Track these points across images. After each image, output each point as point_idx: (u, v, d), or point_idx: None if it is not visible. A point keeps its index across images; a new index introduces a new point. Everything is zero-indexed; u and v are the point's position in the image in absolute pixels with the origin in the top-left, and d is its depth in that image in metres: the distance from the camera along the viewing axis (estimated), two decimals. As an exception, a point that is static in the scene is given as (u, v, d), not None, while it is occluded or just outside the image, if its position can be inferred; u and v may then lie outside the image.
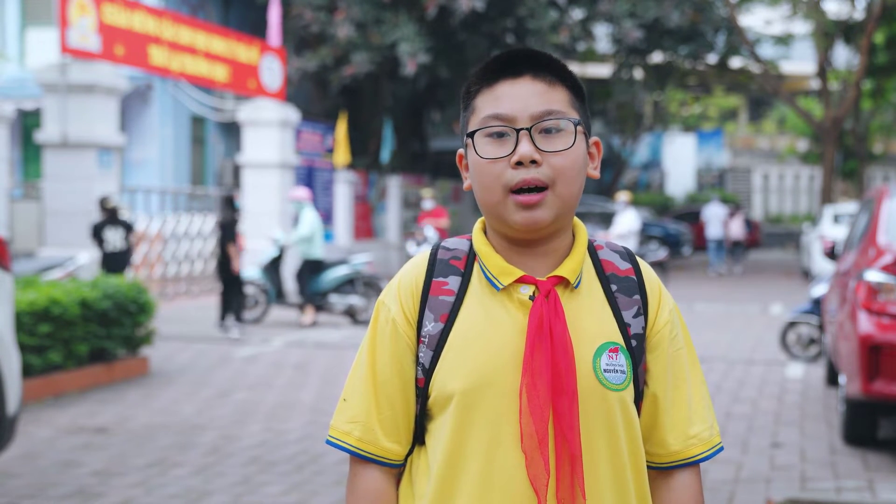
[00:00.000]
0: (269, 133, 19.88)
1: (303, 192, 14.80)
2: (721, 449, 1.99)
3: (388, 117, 26.65)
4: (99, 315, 9.74)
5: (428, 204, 21.33)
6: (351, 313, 14.75)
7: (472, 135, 1.89)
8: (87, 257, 13.41)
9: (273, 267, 14.58)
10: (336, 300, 14.56)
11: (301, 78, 24.82)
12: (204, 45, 18.30)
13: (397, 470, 1.96)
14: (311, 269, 14.42)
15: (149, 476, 6.63)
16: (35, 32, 23.91)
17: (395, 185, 25.84)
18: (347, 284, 14.67)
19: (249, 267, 14.94)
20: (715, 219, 26.68)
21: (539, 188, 1.84)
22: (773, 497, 6.14)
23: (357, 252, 23.61)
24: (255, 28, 24.40)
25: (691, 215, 37.43)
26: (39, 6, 23.40)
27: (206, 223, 19.69)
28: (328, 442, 1.96)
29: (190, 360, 11.46)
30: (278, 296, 14.59)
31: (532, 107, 1.86)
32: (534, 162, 1.84)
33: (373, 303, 14.83)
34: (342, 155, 22.71)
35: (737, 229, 27.46)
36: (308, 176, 21.99)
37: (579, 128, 1.89)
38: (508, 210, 1.85)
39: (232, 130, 24.78)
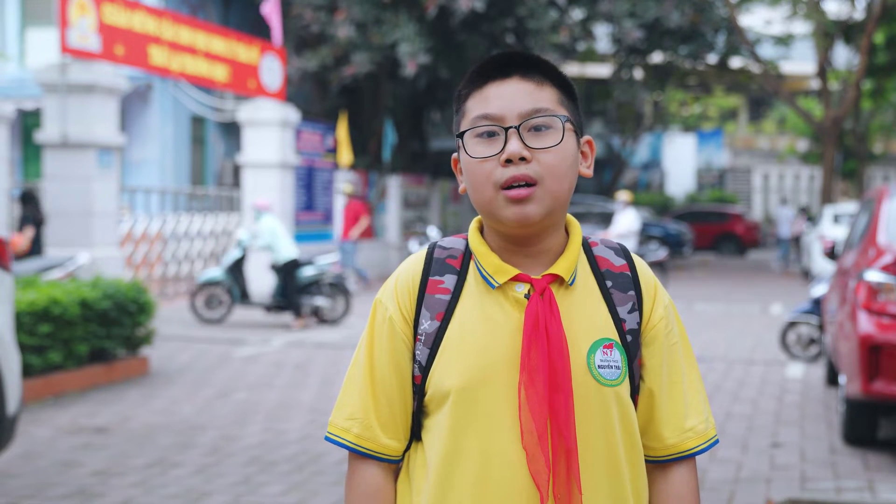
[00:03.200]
0: (269, 133, 19.89)
1: (265, 202, 14.82)
2: (716, 442, 2.01)
3: (388, 117, 26.66)
4: (99, 315, 9.74)
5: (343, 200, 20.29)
6: (317, 314, 14.72)
7: (462, 135, 1.92)
8: (87, 257, 13.41)
9: (237, 267, 14.54)
10: (303, 301, 14.55)
11: (301, 78, 24.82)
12: (204, 45, 18.30)
13: (395, 466, 1.98)
14: (290, 270, 14.36)
15: (149, 476, 6.64)
16: (35, 32, 23.91)
17: (395, 185, 25.85)
18: (314, 285, 14.65)
19: (213, 268, 14.77)
20: (785, 221, 29.97)
21: (529, 184, 1.86)
22: (773, 497, 6.15)
23: (357, 251, 23.64)
24: (255, 28, 24.41)
25: (691, 215, 37.48)
26: (39, 6, 23.40)
27: (207, 223, 19.69)
28: (327, 438, 1.98)
29: (190, 360, 11.46)
30: (242, 296, 14.57)
31: (520, 106, 1.88)
32: (523, 159, 1.86)
33: (338, 303, 14.84)
34: (346, 155, 22.70)
35: (800, 229, 29.77)
36: (308, 176, 21.99)
37: (568, 125, 1.91)
38: (500, 206, 1.87)
39: (232, 130, 24.78)
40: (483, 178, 1.88)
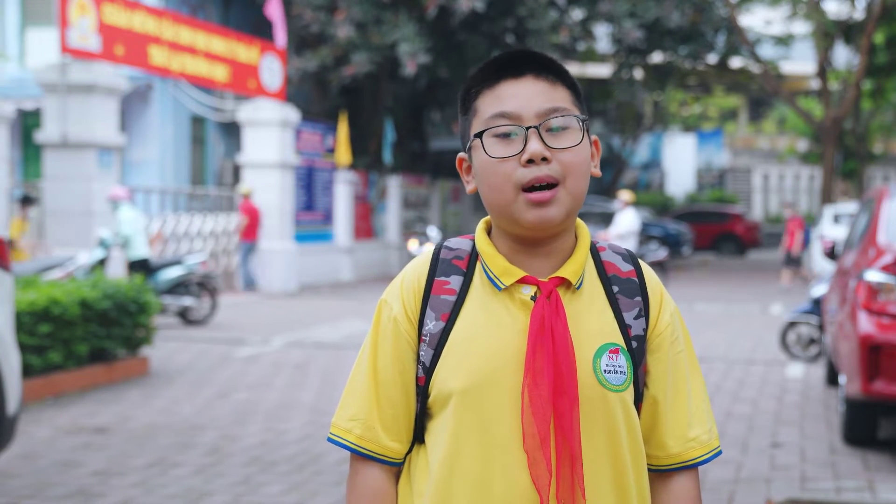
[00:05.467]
0: (269, 133, 19.89)
1: (120, 191, 14.28)
2: (719, 453, 1.99)
3: (388, 117, 26.66)
4: (99, 315, 9.74)
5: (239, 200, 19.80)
6: (184, 314, 14.54)
7: (479, 135, 1.88)
8: (87, 257, 13.41)
9: (99, 268, 14.16)
10: (170, 301, 14.28)
11: (301, 78, 24.82)
12: (204, 45, 18.30)
13: (397, 468, 1.97)
14: (139, 269, 13.98)
15: (149, 476, 6.63)
16: (35, 32, 23.90)
17: (395, 185, 25.86)
18: (181, 285, 14.43)
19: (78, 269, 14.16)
20: None
21: (550, 185, 1.84)
22: (773, 497, 6.14)
23: (357, 251, 23.65)
24: (255, 28, 24.41)
25: (691, 215, 37.48)
26: (39, 6, 23.39)
27: (207, 223, 19.69)
28: (329, 439, 1.97)
29: (190, 360, 11.46)
30: None
31: (537, 105, 1.86)
32: (544, 159, 1.84)
33: (205, 303, 14.70)
34: (344, 154, 22.70)
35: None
36: (308, 176, 21.99)
37: (585, 125, 1.89)
38: (520, 209, 1.85)
39: (232, 130, 24.77)
40: (503, 179, 1.85)
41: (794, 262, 21.43)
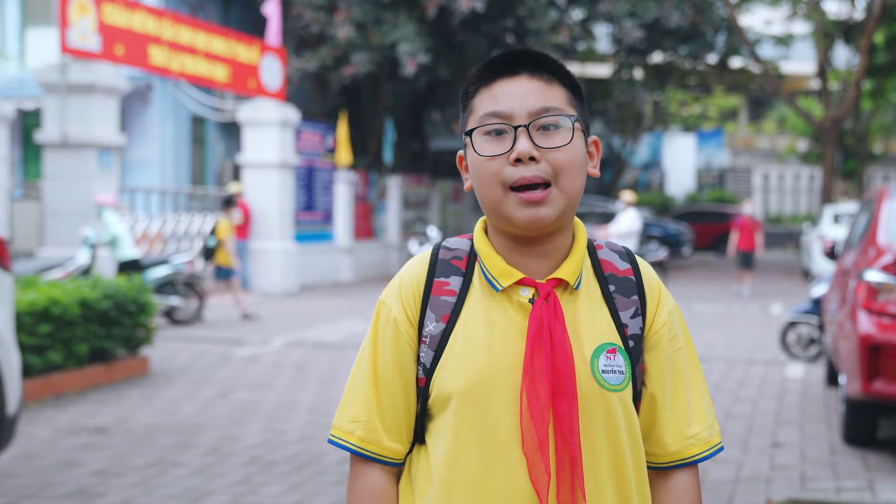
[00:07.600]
0: (269, 133, 19.89)
1: (106, 198, 14.16)
2: (721, 449, 1.99)
3: (388, 117, 26.65)
4: (99, 315, 9.74)
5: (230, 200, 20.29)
6: (170, 314, 14.45)
7: (470, 133, 1.89)
8: (87, 257, 13.41)
9: (88, 272, 13.63)
10: (156, 300, 14.22)
11: (301, 78, 24.81)
12: (204, 45, 18.30)
13: (398, 469, 1.97)
14: (129, 269, 13.81)
15: (149, 476, 6.64)
16: (35, 32, 23.90)
17: (395, 185, 25.85)
18: (168, 285, 14.33)
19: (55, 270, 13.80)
20: None
21: (546, 185, 1.84)
22: (773, 497, 6.15)
23: (357, 251, 23.65)
24: (255, 28, 24.39)
25: (691, 215, 37.46)
26: (39, 6, 23.40)
27: (207, 223, 19.68)
28: (330, 441, 1.97)
29: (190, 360, 11.46)
30: None
31: (529, 104, 1.86)
32: (532, 159, 1.84)
33: (192, 303, 14.61)
34: (344, 155, 22.70)
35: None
36: (308, 176, 21.99)
37: (577, 125, 1.89)
38: (511, 207, 1.85)
39: (232, 130, 24.77)
40: (491, 177, 1.86)
41: (751, 263, 20.54)
